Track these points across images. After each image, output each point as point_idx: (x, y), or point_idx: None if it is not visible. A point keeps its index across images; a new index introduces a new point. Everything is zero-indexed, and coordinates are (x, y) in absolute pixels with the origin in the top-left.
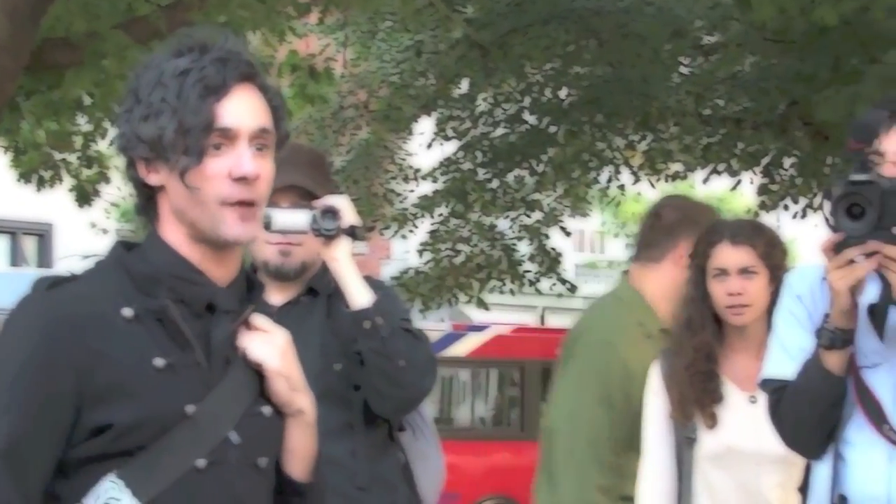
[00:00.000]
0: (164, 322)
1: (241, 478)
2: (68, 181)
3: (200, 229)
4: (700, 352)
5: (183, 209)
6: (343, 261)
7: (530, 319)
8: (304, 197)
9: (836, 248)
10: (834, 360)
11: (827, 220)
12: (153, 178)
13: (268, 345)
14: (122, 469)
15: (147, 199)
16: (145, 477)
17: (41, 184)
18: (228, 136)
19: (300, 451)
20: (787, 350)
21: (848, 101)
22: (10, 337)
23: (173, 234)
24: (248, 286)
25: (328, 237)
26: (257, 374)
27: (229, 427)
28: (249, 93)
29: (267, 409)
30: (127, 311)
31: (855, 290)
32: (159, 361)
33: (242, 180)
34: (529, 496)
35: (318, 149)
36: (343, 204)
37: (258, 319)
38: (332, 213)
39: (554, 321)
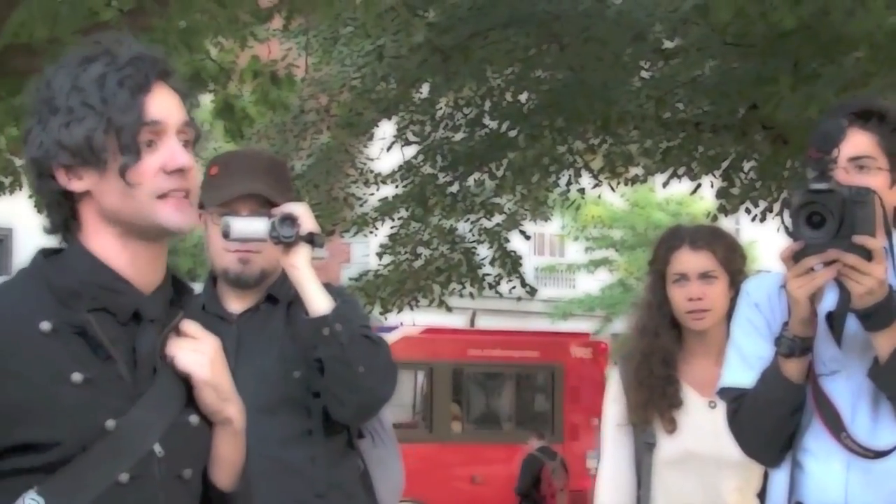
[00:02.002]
0: (86, 335)
1: (165, 491)
2: (28, 187)
3: (137, 225)
4: (653, 356)
5: (116, 209)
6: (302, 268)
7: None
8: (264, 205)
9: (795, 257)
10: (793, 368)
11: (786, 228)
12: (76, 185)
13: (196, 353)
14: (43, 485)
15: (66, 209)
16: (66, 493)
17: (1, 190)
18: (157, 130)
19: (227, 459)
20: (746, 358)
21: (803, 102)
22: None
23: (99, 240)
24: (177, 290)
25: (287, 245)
26: (185, 382)
27: (154, 440)
28: (167, 90)
29: (194, 419)
30: (45, 325)
31: (814, 298)
32: (77, 376)
33: (178, 172)
34: (437, 498)
35: (277, 156)
36: (301, 211)
37: (188, 326)
38: (290, 220)
39: (486, 323)
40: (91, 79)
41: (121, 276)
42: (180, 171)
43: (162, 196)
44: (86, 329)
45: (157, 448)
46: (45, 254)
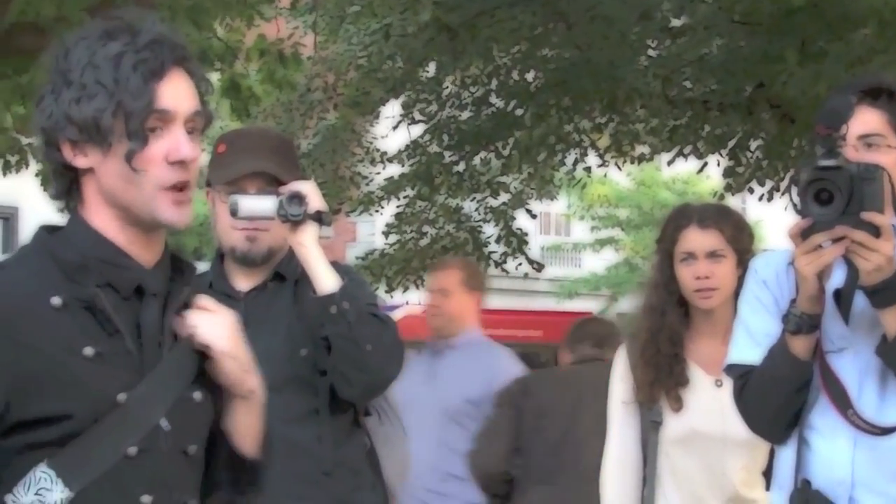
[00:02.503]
0: (94, 309)
1: (171, 464)
2: (34, 166)
3: (134, 213)
4: (661, 334)
5: (117, 192)
6: (310, 246)
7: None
8: (271, 183)
9: (803, 234)
10: (800, 346)
11: (794, 205)
12: (81, 161)
13: (215, 325)
14: (54, 458)
15: (69, 181)
16: (76, 466)
17: (7, 168)
18: (165, 118)
19: (252, 430)
20: (753, 335)
21: (811, 80)
22: None
23: (99, 217)
24: (177, 266)
25: (294, 223)
26: (193, 357)
27: (161, 414)
28: (182, 76)
29: (197, 395)
30: (55, 300)
31: (822, 275)
32: (89, 350)
33: (180, 163)
34: None
35: (284, 134)
36: (309, 189)
37: (202, 300)
38: (298, 198)
39: (491, 303)
40: (107, 57)
41: (123, 251)
42: (182, 163)
43: (164, 188)
44: (94, 303)
45: (164, 422)
46: (49, 230)
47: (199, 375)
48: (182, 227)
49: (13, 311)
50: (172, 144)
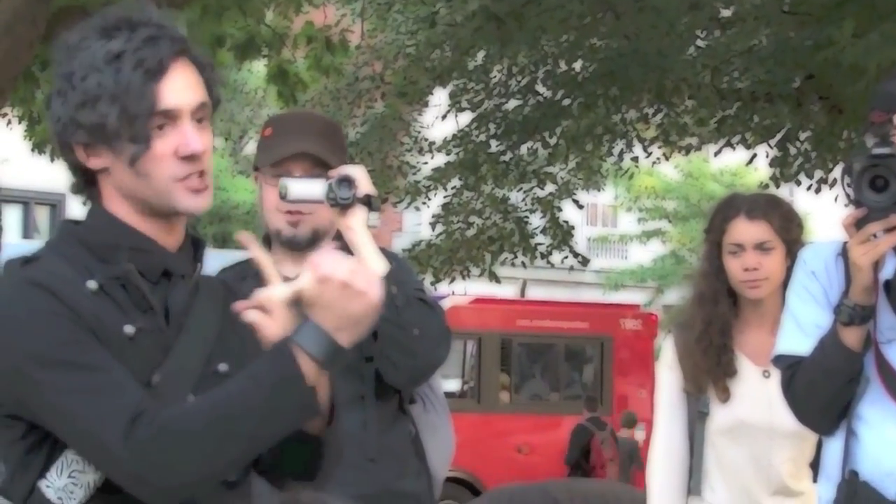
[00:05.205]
0: (128, 288)
1: None
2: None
3: (152, 205)
4: (712, 325)
5: (131, 190)
6: (358, 230)
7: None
8: (317, 165)
9: (858, 224)
10: (852, 337)
11: (847, 195)
12: (94, 162)
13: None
14: None
15: (86, 180)
16: None
17: (55, 154)
18: (171, 116)
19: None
20: (802, 326)
21: (862, 54)
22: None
23: (121, 208)
24: (194, 244)
25: (344, 206)
26: (213, 329)
27: (188, 391)
28: (184, 68)
29: (223, 366)
30: (91, 284)
31: (877, 265)
32: (129, 329)
33: (190, 157)
34: (484, 468)
35: (331, 118)
36: (359, 173)
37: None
38: (347, 182)
39: (537, 294)
40: (108, 58)
41: (147, 237)
42: (192, 157)
43: (178, 180)
44: (129, 279)
45: (191, 399)
46: (72, 222)
47: (229, 346)
48: (201, 213)
49: (59, 295)
50: (181, 140)
